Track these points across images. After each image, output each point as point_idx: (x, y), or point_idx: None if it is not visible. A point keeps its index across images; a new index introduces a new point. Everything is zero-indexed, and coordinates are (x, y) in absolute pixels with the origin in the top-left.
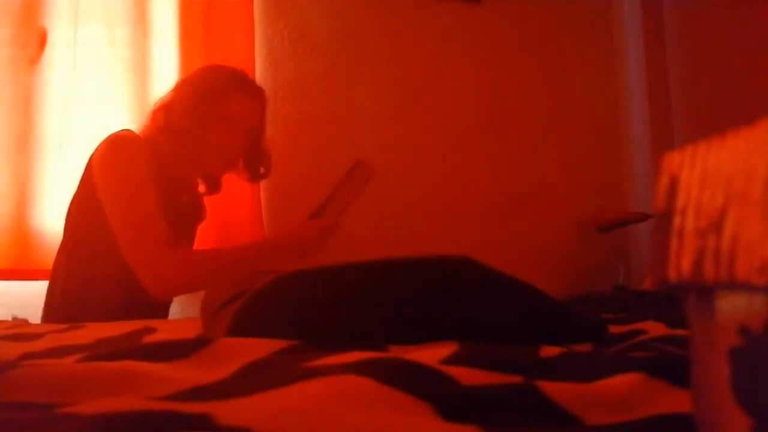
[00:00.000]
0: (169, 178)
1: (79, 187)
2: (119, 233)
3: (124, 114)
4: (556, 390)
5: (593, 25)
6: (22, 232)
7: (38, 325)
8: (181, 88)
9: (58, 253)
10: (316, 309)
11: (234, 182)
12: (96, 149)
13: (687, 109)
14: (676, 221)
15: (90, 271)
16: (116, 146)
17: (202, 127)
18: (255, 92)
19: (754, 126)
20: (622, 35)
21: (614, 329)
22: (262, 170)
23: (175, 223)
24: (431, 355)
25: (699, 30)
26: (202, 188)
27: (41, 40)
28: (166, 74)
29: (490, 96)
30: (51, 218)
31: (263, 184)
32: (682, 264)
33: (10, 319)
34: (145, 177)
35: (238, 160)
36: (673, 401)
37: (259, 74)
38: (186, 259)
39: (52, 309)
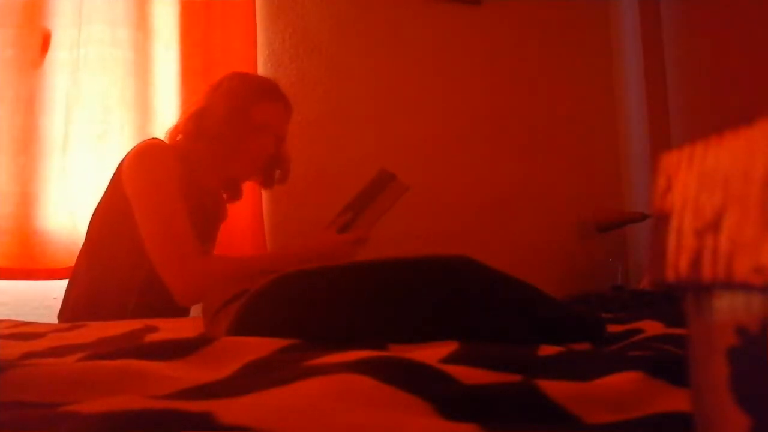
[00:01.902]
0: (196, 184)
1: (106, 192)
2: (149, 241)
3: (126, 115)
4: (555, 389)
5: (592, 27)
6: (25, 232)
7: (40, 324)
8: (212, 96)
9: (79, 255)
10: (316, 309)
11: None
12: (125, 157)
13: (685, 110)
14: (674, 221)
15: (110, 276)
16: (146, 155)
17: (237, 134)
18: (284, 99)
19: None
20: (620, 36)
21: (613, 328)
22: (277, 175)
23: (201, 226)
24: (431, 354)
25: (697, 31)
26: (225, 195)
27: (45, 42)
28: (168, 75)
29: (490, 96)
30: (53, 218)
31: None
32: (680, 264)
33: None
34: (174, 185)
35: (264, 167)
36: (672, 400)
37: (261, 75)
38: (215, 268)
39: (69, 309)
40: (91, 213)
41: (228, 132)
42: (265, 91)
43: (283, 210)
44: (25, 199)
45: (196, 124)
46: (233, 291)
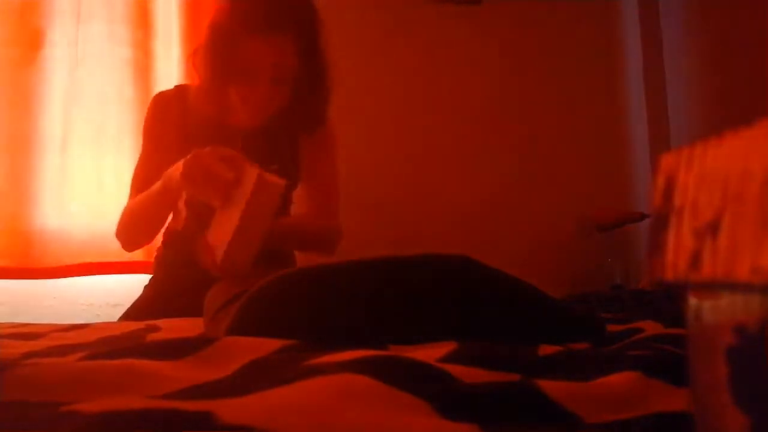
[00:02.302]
0: (216, 123)
1: None
2: None
3: (125, 113)
4: (554, 388)
5: (593, 27)
6: (23, 232)
7: (40, 324)
8: (205, 32)
9: None
10: (316, 309)
11: None
12: None
13: (685, 110)
14: (674, 221)
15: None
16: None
17: (222, 81)
18: (278, 28)
19: (751, 127)
20: (621, 36)
21: (612, 328)
22: (307, 120)
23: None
24: (430, 353)
25: (697, 31)
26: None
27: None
28: (167, 72)
29: (490, 96)
30: (51, 217)
31: None
32: (679, 264)
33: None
34: (156, 131)
35: (274, 112)
36: (671, 400)
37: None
38: (123, 210)
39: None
40: (91, 212)
41: (213, 78)
42: (248, 23)
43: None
44: (24, 198)
45: (192, 64)
46: (233, 291)
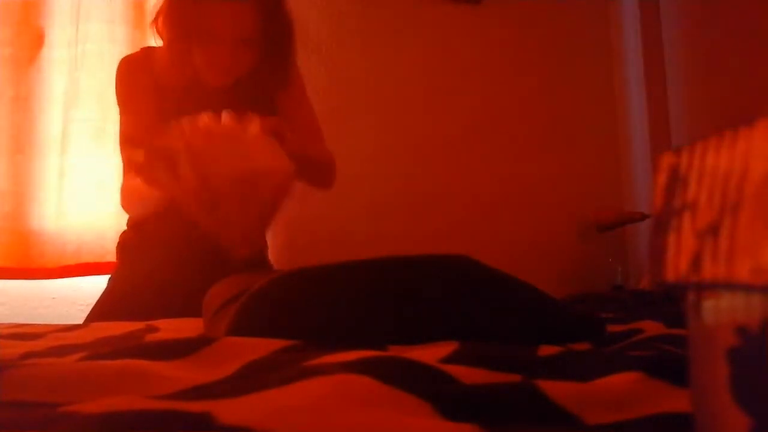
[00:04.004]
0: (193, 88)
1: None
2: None
3: None
4: (555, 389)
5: (592, 26)
6: (22, 232)
7: (40, 324)
8: None
9: None
10: (316, 309)
11: None
12: None
13: (685, 110)
14: (674, 221)
15: None
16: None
17: (184, 44)
18: None
19: (752, 126)
20: (620, 36)
21: (612, 328)
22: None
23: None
24: (431, 354)
25: (697, 31)
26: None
27: (39, 40)
28: None
29: (490, 96)
30: (51, 218)
31: None
32: (680, 264)
33: None
34: (131, 97)
35: (243, 72)
36: (672, 400)
37: None
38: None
39: None
40: (90, 213)
41: (176, 40)
42: None
43: (283, 210)
44: (23, 198)
45: (155, 28)
46: (233, 291)
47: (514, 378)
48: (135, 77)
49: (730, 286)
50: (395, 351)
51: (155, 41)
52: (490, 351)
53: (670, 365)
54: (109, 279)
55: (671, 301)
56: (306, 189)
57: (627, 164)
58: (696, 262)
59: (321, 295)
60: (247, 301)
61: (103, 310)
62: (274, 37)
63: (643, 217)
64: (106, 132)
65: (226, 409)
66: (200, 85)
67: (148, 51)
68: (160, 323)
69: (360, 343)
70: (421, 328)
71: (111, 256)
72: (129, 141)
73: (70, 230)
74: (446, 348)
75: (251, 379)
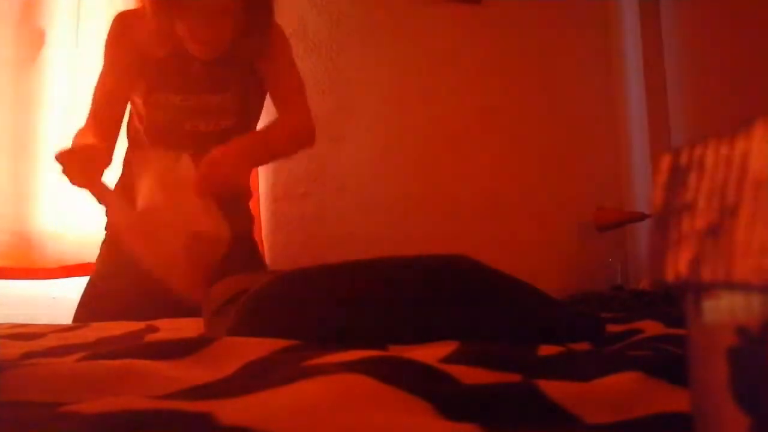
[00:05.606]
0: (179, 56)
1: None
2: None
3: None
4: (555, 389)
5: (592, 26)
6: (23, 233)
7: (40, 324)
8: None
9: None
10: (316, 309)
11: None
12: None
13: (685, 110)
14: (674, 221)
15: None
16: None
17: (166, 16)
18: None
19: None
20: (620, 36)
21: (612, 328)
22: (251, 48)
23: (181, 73)
24: (431, 354)
25: (697, 31)
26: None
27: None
28: None
29: (490, 96)
30: (51, 218)
31: (262, 187)
32: (679, 264)
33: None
34: (118, 53)
35: (224, 45)
36: (672, 400)
37: None
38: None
39: None
40: (90, 212)
41: (159, 13)
42: None
43: (282, 209)
44: (23, 199)
45: (140, 1)
46: (233, 291)
47: (514, 378)
48: (125, 37)
49: (730, 286)
50: (395, 351)
51: None
52: (490, 351)
53: (669, 365)
54: (92, 273)
55: (671, 301)
56: (306, 189)
57: (627, 164)
58: (696, 262)
59: (321, 296)
60: (247, 301)
61: (90, 305)
62: (251, 5)
63: (643, 217)
64: None
65: (226, 409)
66: (183, 57)
67: (142, 12)
68: (160, 323)
69: (360, 343)
70: (421, 328)
71: None
72: (99, 103)
73: (70, 231)
74: (446, 348)
75: (251, 379)
